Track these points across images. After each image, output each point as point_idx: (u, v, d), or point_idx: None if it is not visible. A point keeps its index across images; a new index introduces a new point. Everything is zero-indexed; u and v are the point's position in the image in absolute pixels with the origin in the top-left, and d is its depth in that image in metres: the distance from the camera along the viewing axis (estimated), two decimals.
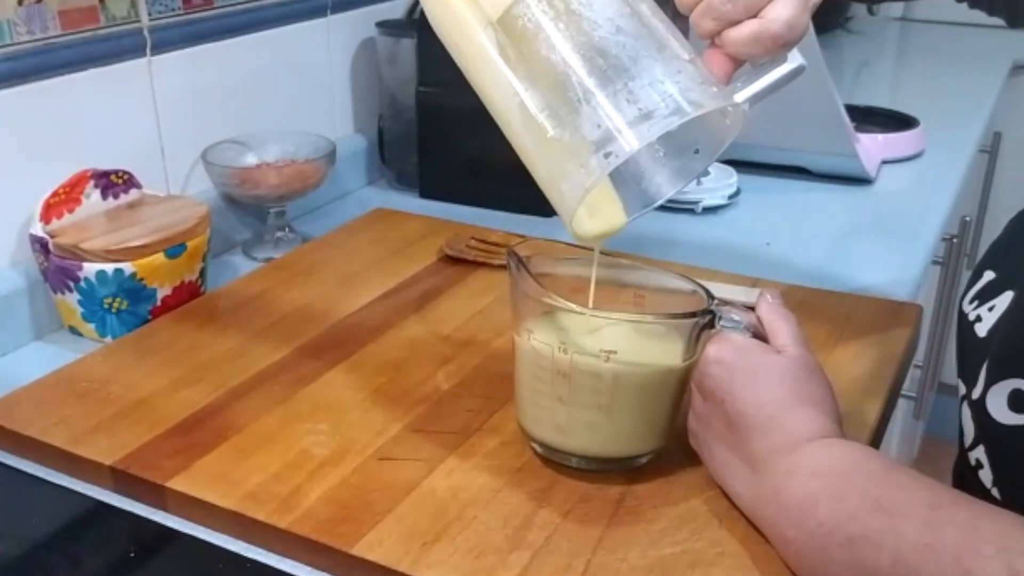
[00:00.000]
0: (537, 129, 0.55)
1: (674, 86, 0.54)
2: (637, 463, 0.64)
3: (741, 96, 0.58)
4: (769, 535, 0.55)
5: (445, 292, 0.88)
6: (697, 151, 0.62)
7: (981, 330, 0.58)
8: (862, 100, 1.42)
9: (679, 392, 0.63)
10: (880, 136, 1.27)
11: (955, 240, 1.28)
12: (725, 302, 0.62)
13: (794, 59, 0.59)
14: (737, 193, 1.12)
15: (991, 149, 1.74)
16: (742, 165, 1.18)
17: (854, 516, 0.49)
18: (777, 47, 0.57)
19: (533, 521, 0.59)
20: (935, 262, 1.18)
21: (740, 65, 0.59)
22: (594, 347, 0.60)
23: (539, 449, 0.65)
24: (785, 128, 1.17)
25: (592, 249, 0.66)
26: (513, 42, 0.56)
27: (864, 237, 1.06)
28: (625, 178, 0.63)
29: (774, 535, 0.55)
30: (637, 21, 0.56)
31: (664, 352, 0.62)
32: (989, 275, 0.60)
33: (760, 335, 0.61)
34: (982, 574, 0.44)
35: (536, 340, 0.62)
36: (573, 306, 0.60)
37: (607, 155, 0.53)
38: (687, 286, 0.65)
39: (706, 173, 1.13)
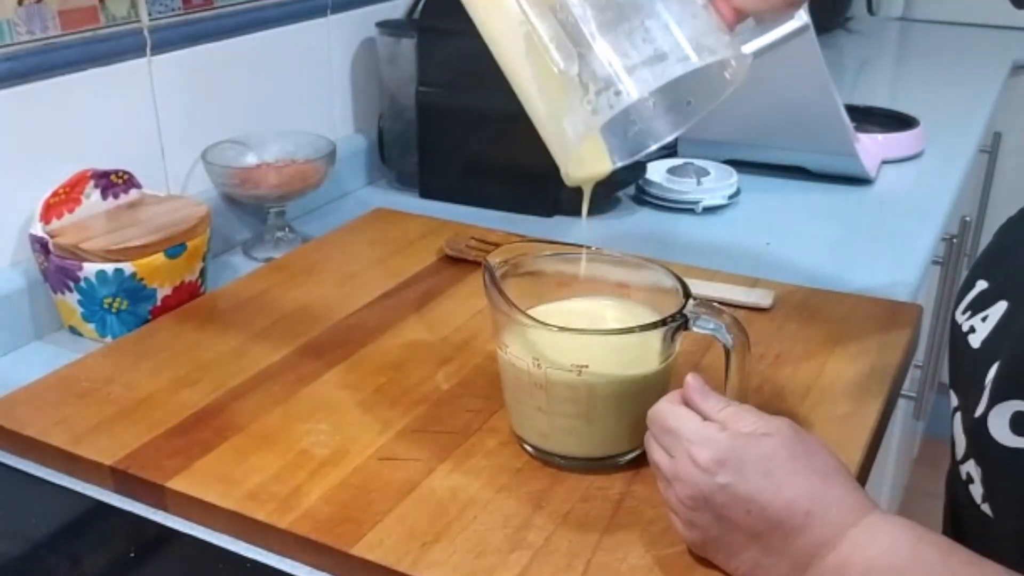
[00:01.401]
0: (542, 61, 0.53)
1: (690, 29, 0.52)
2: (625, 459, 0.64)
3: (748, 48, 0.57)
4: None
5: (445, 292, 0.88)
6: (689, 103, 0.60)
7: (975, 341, 0.58)
8: (862, 100, 1.42)
9: (660, 392, 0.62)
10: (880, 136, 1.27)
11: (955, 240, 1.28)
12: (702, 301, 0.61)
13: (799, 17, 0.58)
14: (737, 193, 1.12)
15: (991, 149, 1.73)
16: (742, 165, 1.18)
17: None
18: (788, 6, 0.56)
19: (533, 521, 0.59)
20: (935, 262, 1.18)
21: (743, 20, 0.58)
22: (566, 361, 0.60)
23: (530, 450, 0.65)
24: (785, 128, 1.17)
25: (586, 247, 0.66)
26: None
27: (864, 237, 1.06)
28: (613, 125, 0.61)
29: None
30: None
31: (639, 357, 0.61)
32: (982, 284, 0.60)
33: (735, 332, 0.59)
34: None
35: (512, 354, 0.62)
36: (541, 324, 0.60)
37: (617, 93, 0.51)
38: (669, 282, 0.64)
39: (706, 172, 1.13)
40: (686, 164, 1.15)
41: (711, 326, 0.60)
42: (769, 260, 0.98)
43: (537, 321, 0.60)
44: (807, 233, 1.05)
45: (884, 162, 1.25)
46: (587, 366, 0.59)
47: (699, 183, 1.11)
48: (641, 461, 0.64)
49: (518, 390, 0.63)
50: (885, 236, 1.06)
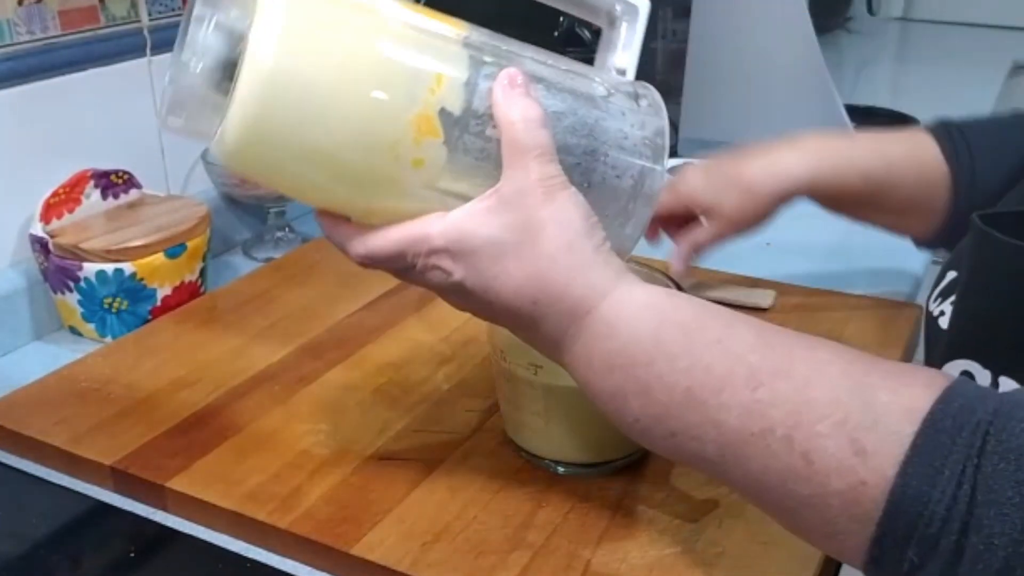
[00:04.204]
0: None
1: (637, 132, 0.53)
2: (613, 466, 0.63)
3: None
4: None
5: None
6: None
7: (944, 323, 0.60)
8: (862, 100, 1.42)
9: None
10: None
11: None
12: None
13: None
14: None
15: None
16: None
17: (668, 412, 0.45)
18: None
19: (533, 521, 0.59)
20: (935, 262, 1.18)
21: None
22: (525, 360, 0.60)
23: (524, 456, 0.65)
24: (785, 128, 1.16)
25: None
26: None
27: (864, 237, 1.06)
28: None
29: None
30: (560, 71, 0.53)
31: None
32: (951, 274, 0.62)
33: None
34: (823, 456, 0.40)
35: (490, 346, 0.63)
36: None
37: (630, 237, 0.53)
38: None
39: None
40: (686, 164, 1.15)
41: None
42: (769, 260, 0.98)
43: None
44: (807, 233, 1.05)
45: None
46: (542, 367, 0.60)
47: None
48: (640, 463, 0.64)
49: (499, 383, 0.64)
50: (885, 236, 1.05)
